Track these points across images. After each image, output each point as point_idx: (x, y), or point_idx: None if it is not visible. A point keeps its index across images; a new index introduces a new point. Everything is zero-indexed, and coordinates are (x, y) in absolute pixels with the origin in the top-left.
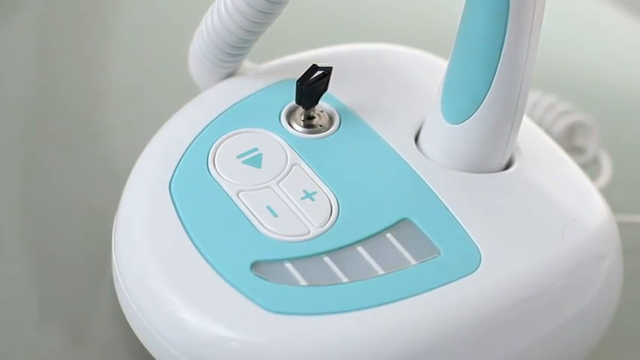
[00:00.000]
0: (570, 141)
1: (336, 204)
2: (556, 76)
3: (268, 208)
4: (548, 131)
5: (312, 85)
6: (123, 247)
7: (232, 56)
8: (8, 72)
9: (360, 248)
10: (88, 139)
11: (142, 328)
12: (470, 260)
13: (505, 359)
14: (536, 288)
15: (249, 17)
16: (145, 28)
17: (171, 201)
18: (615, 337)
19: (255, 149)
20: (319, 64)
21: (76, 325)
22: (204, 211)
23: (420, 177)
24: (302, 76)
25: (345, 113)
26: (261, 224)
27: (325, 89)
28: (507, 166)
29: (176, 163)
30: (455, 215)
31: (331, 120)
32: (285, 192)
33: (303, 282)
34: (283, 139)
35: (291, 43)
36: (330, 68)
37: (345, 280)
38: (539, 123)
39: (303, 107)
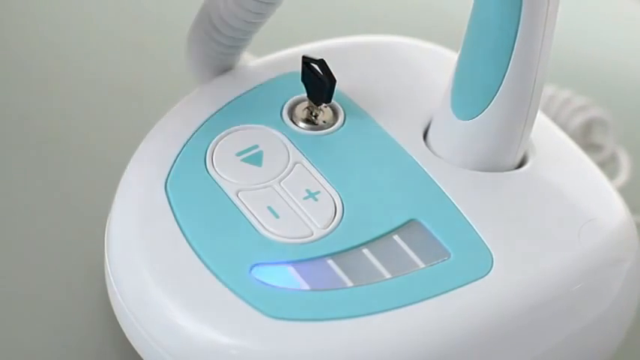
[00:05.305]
0: (587, 138)
1: (341, 204)
2: (572, 70)
3: (269, 208)
4: (563, 127)
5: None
6: (116, 250)
7: (233, 48)
8: (5, 69)
9: (365, 251)
10: (80, 136)
11: (135, 334)
12: (481, 263)
13: None
14: (551, 292)
15: (251, 9)
16: (141, 22)
17: (167, 201)
18: (634, 344)
19: (256, 146)
20: (308, 56)
21: (68, 329)
22: (201, 212)
23: (428, 176)
24: (325, 71)
25: (350, 108)
26: (262, 225)
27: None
28: (520, 164)
29: (172, 162)
30: (465, 216)
31: (335, 116)
32: (287, 192)
33: (305, 286)
34: (285, 135)
35: (293, 35)
36: (321, 60)
37: (349, 284)
38: (555, 119)
39: (323, 103)
